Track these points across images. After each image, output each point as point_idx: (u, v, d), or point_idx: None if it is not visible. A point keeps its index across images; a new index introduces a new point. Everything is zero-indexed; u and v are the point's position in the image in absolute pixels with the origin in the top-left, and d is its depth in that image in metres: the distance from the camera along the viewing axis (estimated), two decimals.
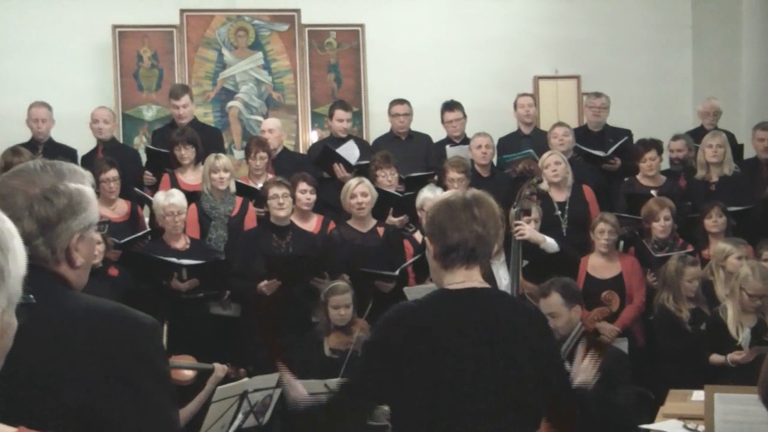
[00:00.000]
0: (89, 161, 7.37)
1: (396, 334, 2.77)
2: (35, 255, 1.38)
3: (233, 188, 7.01)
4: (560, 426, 3.15)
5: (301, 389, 3.25)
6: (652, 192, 7.11)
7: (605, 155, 7.69)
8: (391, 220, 6.94)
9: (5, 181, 2.01)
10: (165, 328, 4.93)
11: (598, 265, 6.66)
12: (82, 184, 2.04)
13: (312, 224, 6.89)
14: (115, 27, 8.97)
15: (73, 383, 1.87)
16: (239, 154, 8.86)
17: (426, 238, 2.92)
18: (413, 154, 7.96)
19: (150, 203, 7.00)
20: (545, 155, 7.16)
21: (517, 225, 5.76)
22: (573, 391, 3.20)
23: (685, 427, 4.28)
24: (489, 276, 6.00)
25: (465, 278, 2.83)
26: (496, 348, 2.74)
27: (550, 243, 6.13)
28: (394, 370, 2.74)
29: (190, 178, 7.21)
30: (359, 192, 6.68)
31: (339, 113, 8.08)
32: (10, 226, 1.33)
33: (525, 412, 2.79)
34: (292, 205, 6.63)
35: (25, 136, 7.71)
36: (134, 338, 1.96)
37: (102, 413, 1.87)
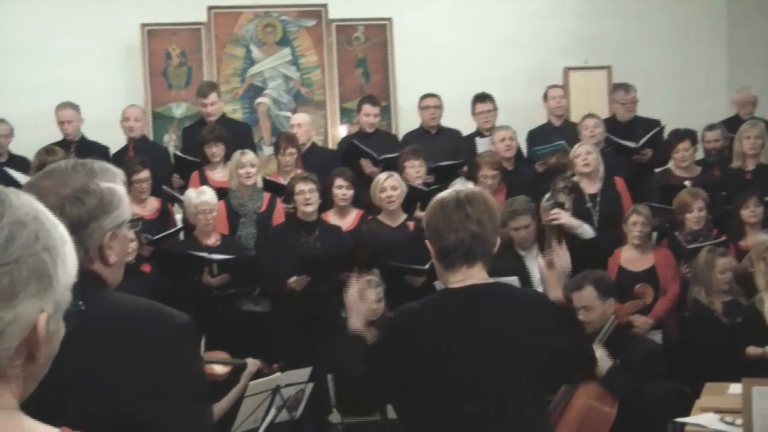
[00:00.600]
0: (120, 159, 7.41)
1: (399, 340, 2.84)
2: None
3: (260, 184, 7.02)
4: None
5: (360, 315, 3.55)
6: (686, 183, 7.03)
7: (636, 146, 7.61)
8: (419, 214, 6.93)
9: (37, 182, 2.01)
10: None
11: (630, 258, 6.61)
12: (114, 182, 2.04)
13: (349, 220, 6.88)
14: (143, 26, 9.01)
15: (110, 381, 1.88)
16: (268, 150, 8.87)
17: (426, 241, 2.91)
18: (443, 149, 7.93)
19: (179, 201, 7.03)
20: (576, 146, 7.11)
21: (552, 213, 5.75)
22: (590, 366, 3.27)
23: (722, 420, 4.24)
24: (522, 270, 6.03)
25: (466, 276, 2.83)
26: (497, 343, 2.76)
27: (586, 229, 6.13)
28: (396, 374, 2.81)
29: (219, 175, 7.23)
30: (389, 185, 6.68)
31: (367, 108, 8.08)
32: (62, 231, 1.33)
33: (530, 406, 2.79)
34: (319, 200, 6.63)
35: (58, 136, 7.78)
36: (168, 336, 1.96)
37: (136, 411, 1.87)
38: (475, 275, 2.85)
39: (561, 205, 5.95)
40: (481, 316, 2.79)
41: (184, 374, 1.96)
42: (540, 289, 5.83)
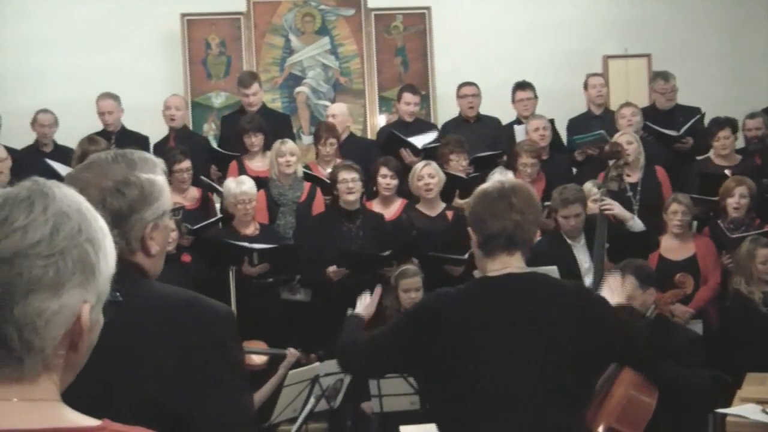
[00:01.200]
0: (161, 149, 7.47)
1: (423, 318, 2.88)
2: None
3: (300, 173, 7.04)
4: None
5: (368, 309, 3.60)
6: (726, 171, 6.97)
7: (677, 135, 7.53)
8: (458, 202, 6.91)
9: (78, 174, 2.02)
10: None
11: (671, 247, 6.56)
12: (154, 173, 2.04)
13: (393, 209, 6.88)
14: (183, 15, 9.06)
15: (151, 372, 1.89)
16: (307, 139, 8.89)
17: (468, 229, 2.98)
18: (482, 137, 7.91)
19: (218, 192, 7.07)
20: (617, 135, 7.05)
21: (604, 202, 5.72)
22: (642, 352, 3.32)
23: (763, 411, 4.20)
24: (570, 259, 6.01)
25: (505, 265, 2.89)
26: (530, 331, 2.78)
27: (637, 222, 6.10)
28: (418, 352, 2.85)
29: (258, 164, 7.26)
30: (426, 173, 6.68)
31: (407, 96, 8.06)
32: (103, 224, 1.35)
33: (566, 395, 2.80)
34: (362, 189, 6.64)
35: (99, 125, 7.85)
36: (209, 327, 1.97)
37: (178, 401, 1.88)
38: (514, 264, 2.89)
39: (613, 194, 5.93)
40: (515, 304, 2.82)
41: (226, 364, 1.97)
42: (588, 279, 5.85)
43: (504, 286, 2.87)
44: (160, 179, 2.05)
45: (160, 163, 2.10)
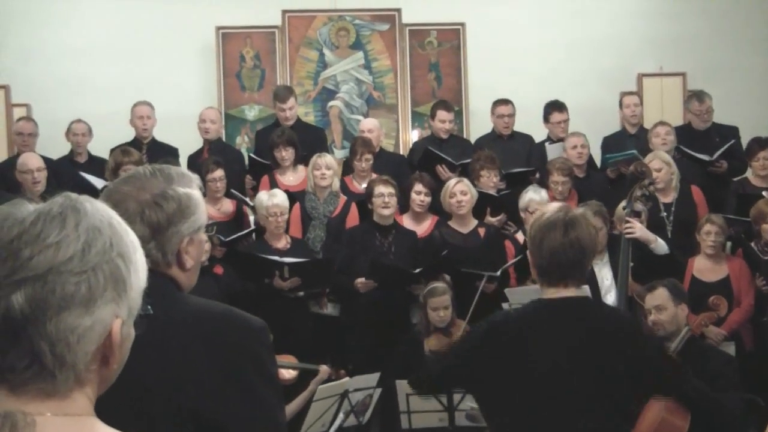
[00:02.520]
0: (195, 161, 7.50)
1: (492, 338, 3.07)
2: (147, 259, 1.40)
3: (336, 186, 7.04)
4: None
5: None
6: (764, 193, 6.88)
7: (710, 159, 7.45)
8: (489, 220, 6.89)
9: (117, 187, 2.05)
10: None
11: (704, 268, 6.49)
12: (191, 188, 2.07)
13: (425, 226, 6.87)
14: (218, 28, 9.12)
15: (186, 385, 1.90)
16: (339, 153, 8.91)
17: (528, 252, 3.18)
18: (515, 154, 7.89)
19: (248, 205, 7.09)
20: (649, 156, 6.98)
21: (627, 224, 5.68)
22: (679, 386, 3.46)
23: None
24: (590, 276, 5.95)
25: (558, 292, 3.05)
26: (584, 356, 2.93)
27: (660, 244, 6.03)
28: (481, 367, 3.06)
29: (290, 179, 7.27)
30: (458, 191, 6.65)
31: (441, 114, 8.03)
32: (133, 238, 1.35)
33: (612, 418, 2.94)
34: (396, 205, 6.63)
35: (132, 136, 7.90)
36: (245, 340, 2.00)
37: (214, 414, 1.90)
38: (571, 285, 3.05)
39: (638, 214, 5.87)
40: (572, 329, 2.98)
41: (261, 377, 1.99)
42: (610, 296, 5.81)
43: (560, 311, 3.02)
44: (197, 194, 2.08)
45: (196, 179, 2.13)
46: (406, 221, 6.87)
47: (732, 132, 7.81)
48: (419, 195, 6.80)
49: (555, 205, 3.21)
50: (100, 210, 1.30)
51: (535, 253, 3.08)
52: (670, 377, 3.30)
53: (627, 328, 3.05)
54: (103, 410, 1.32)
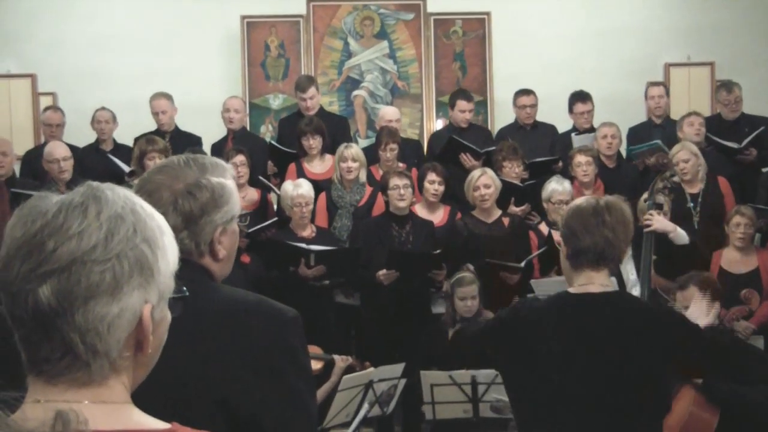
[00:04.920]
0: (219, 150, 7.51)
1: (517, 322, 3.05)
2: (180, 248, 1.39)
3: (363, 178, 7.03)
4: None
5: None
6: None
7: (739, 147, 7.39)
8: (513, 209, 6.86)
9: (150, 177, 2.05)
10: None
11: (733, 260, 6.44)
12: (224, 177, 2.07)
13: (439, 215, 6.85)
14: (243, 17, 9.11)
15: (219, 375, 1.91)
16: (363, 142, 8.89)
17: (560, 241, 3.10)
18: (538, 144, 7.86)
19: (273, 190, 7.09)
20: (673, 150, 6.92)
21: (645, 218, 5.63)
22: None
23: None
24: (616, 271, 5.90)
25: (589, 280, 3.00)
26: (602, 353, 2.89)
27: (680, 234, 5.97)
28: (504, 350, 3.06)
29: (317, 167, 7.27)
30: (482, 184, 6.62)
31: (461, 104, 8.00)
32: (161, 222, 1.35)
33: (634, 417, 2.90)
34: (413, 195, 6.61)
35: (155, 125, 7.94)
36: (278, 331, 2.00)
37: (246, 404, 1.91)
38: (598, 280, 3.00)
39: (659, 207, 5.82)
40: (594, 324, 2.93)
41: (293, 367, 2.00)
42: (635, 291, 5.76)
43: (583, 305, 2.97)
44: (230, 184, 2.08)
45: (229, 168, 2.12)
46: (420, 211, 6.84)
47: (762, 122, 7.74)
48: (432, 185, 6.77)
49: (586, 197, 3.16)
50: (122, 197, 1.30)
51: (568, 240, 3.03)
52: (707, 357, 3.19)
53: (655, 320, 2.97)
54: (138, 398, 1.33)
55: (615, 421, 2.88)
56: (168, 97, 7.96)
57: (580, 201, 3.13)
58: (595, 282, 2.98)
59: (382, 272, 6.35)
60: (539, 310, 3.04)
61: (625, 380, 2.87)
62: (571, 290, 3.04)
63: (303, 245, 6.33)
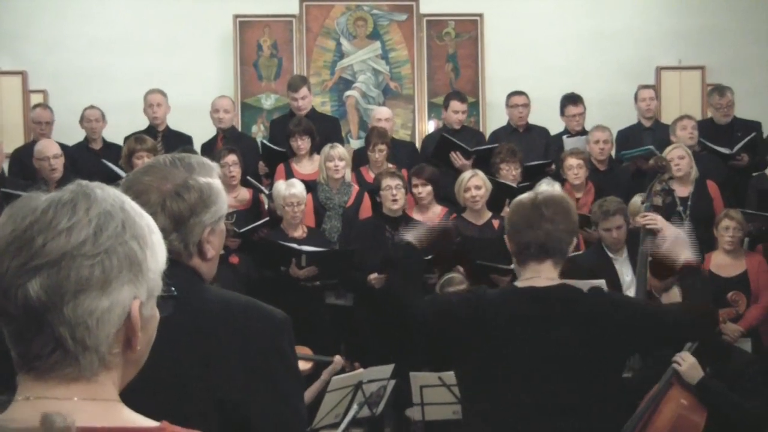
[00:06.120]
0: (209, 149, 7.50)
1: (465, 309, 3.01)
2: (170, 249, 1.40)
3: (349, 177, 7.04)
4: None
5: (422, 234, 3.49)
6: None
7: (731, 152, 7.41)
8: (507, 211, 6.86)
9: (138, 177, 2.04)
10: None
11: (722, 263, 6.45)
12: (211, 177, 2.06)
13: (432, 217, 6.84)
14: (236, 17, 9.11)
15: (211, 376, 1.92)
16: (356, 143, 8.89)
17: (505, 238, 3.10)
18: (531, 147, 7.86)
19: (264, 193, 7.09)
20: (669, 149, 6.96)
21: (646, 217, 5.65)
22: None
23: None
24: (611, 273, 5.93)
25: (535, 273, 3.00)
26: (554, 343, 2.88)
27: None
28: (448, 333, 3.03)
29: (306, 168, 7.27)
30: (473, 185, 6.63)
31: (455, 104, 8.02)
32: (149, 221, 1.36)
33: (587, 408, 2.90)
34: (406, 196, 6.61)
35: (148, 124, 7.92)
36: (269, 333, 2.01)
37: (238, 406, 1.92)
38: (544, 273, 3.00)
39: (657, 209, 5.84)
40: (537, 319, 2.92)
41: (284, 369, 2.01)
42: (630, 292, 5.78)
43: (525, 299, 2.97)
44: (217, 183, 2.07)
45: (216, 168, 2.12)
46: (414, 213, 6.84)
47: (755, 127, 7.77)
48: (416, 188, 6.78)
49: (527, 193, 3.16)
50: (111, 195, 1.32)
51: (512, 236, 3.05)
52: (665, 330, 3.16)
53: (598, 308, 2.95)
54: (131, 398, 1.34)
55: (569, 413, 2.87)
56: (162, 93, 7.99)
57: (520, 197, 3.14)
58: (541, 275, 2.99)
59: (374, 276, 6.35)
60: (490, 302, 3.01)
61: (576, 371, 2.88)
62: (518, 284, 3.05)
63: (295, 246, 6.33)
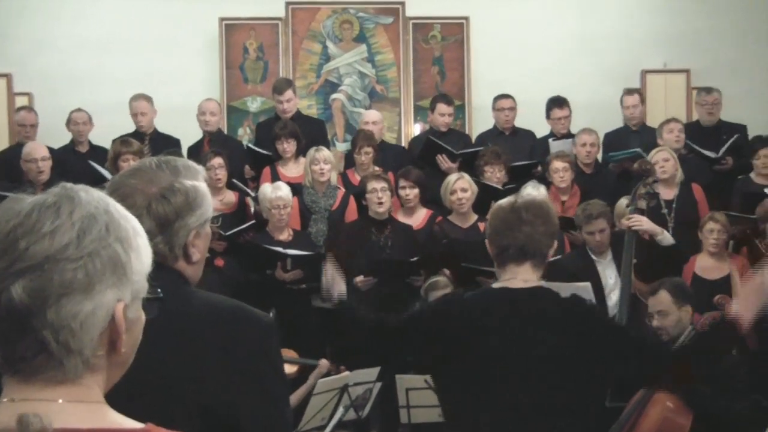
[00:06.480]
0: (195, 152, 7.49)
1: (439, 319, 3.05)
2: (155, 253, 1.41)
3: (334, 180, 7.03)
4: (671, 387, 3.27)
5: (342, 286, 3.62)
6: (767, 190, 6.87)
7: (716, 156, 7.44)
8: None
9: (123, 180, 2.04)
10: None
11: (706, 266, 6.47)
12: (197, 180, 2.06)
13: (418, 219, 6.86)
14: (222, 20, 9.10)
15: (197, 380, 1.92)
16: (342, 146, 8.90)
17: (486, 242, 3.13)
18: (517, 150, 7.86)
19: (250, 195, 7.08)
20: (654, 151, 6.99)
21: (631, 218, 5.67)
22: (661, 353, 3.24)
23: None
24: (594, 276, 5.95)
25: (513, 275, 3.02)
26: (523, 347, 2.90)
27: (667, 236, 6.05)
28: (426, 346, 3.05)
29: (292, 171, 7.26)
30: (459, 188, 6.63)
31: (441, 107, 8.03)
32: (134, 224, 1.36)
33: (564, 410, 2.90)
34: (392, 199, 6.61)
35: (134, 127, 7.89)
36: (255, 336, 2.01)
37: (224, 409, 1.92)
38: (521, 275, 3.02)
39: (642, 212, 5.87)
40: (513, 321, 2.94)
41: (270, 373, 2.01)
42: (614, 294, 5.80)
43: (501, 300, 3.00)
44: (203, 186, 2.07)
45: (201, 171, 2.12)
46: (400, 216, 6.85)
47: (740, 129, 7.82)
48: (404, 190, 6.79)
49: (507, 198, 3.20)
50: (95, 198, 1.32)
51: (491, 239, 3.08)
52: (641, 366, 3.13)
53: (575, 315, 2.97)
54: (115, 403, 1.33)
55: (546, 415, 2.89)
56: (147, 98, 7.93)
57: (500, 202, 3.19)
58: (518, 277, 3.01)
59: (360, 278, 6.35)
60: (467, 306, 3.04)
61: (552, 373, 2.89)
62: (495, 285, 3.09)
63: (281, 249, 6.32)
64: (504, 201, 3.15)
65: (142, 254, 1.35)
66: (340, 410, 5.13)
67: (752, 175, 7.27)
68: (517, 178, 7.24)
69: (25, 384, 1.27)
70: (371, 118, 7.96)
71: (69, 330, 1.25)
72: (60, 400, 1.27)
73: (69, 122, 7.99)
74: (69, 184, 1.33)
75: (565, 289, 3.11)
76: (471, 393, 2.94)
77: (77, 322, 1.25)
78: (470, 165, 7.19)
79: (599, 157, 7.90)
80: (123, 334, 1.31)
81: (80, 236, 1.26)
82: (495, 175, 7.05)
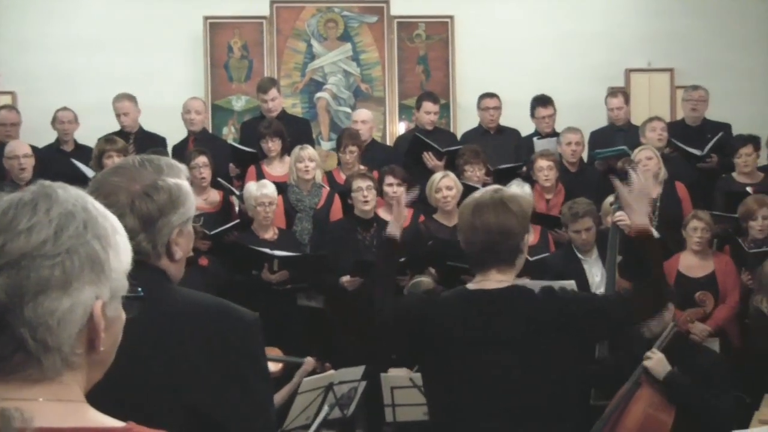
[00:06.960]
0: (181, 151, 7.47)
1: (413, 320, 3.06)
2: (138, 250, 1.40)
3: (319, 179, 7.03)
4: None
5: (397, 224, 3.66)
6: (748, 189, 6.91)
7: (701, 154, 7.48)
8: None
9: (106, 178, 2.04)
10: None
11: (690, 264, 6.49)
12: (179, 178, 2.07)
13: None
14: (206, 18, 9.09)
15: (180, 376, 1.92)
16: (327, 145, 8.90)
17: (459, 236, 3.12)
18: (502, 149, 7.88)
19: (235, 194, 7.07)
20: (637, 150, 7.01)
21: (618, 215, 5.70)
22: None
23: None
24: (579, 274, 5.97)
25: (485, 276, 3.00)
26: (499, 346, 2.90)
27: (653, 231, 6.05)
28: (403, 346, 3.19)
29: (277, 170, 7.25)
30: (444, 186, 6.64)
31: (427, 105, 8.03)
32: (113, 222, 1.36)
33: (545, 410, 2.90)
34: (377, 197, 6.61)
35: (119, 125, 7.87)
36: (239, 334, 2.01)
37: (208, 408, 1.92)
38: (494, 276, 2.99)
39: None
40: (489, 321, 2.93)
41: (254, 371, 2.01)
42: (600, 291, 5.81)
43: (474, 302, 2.98)
44: (186, 184, 2.08)
45: (184, 169, 2.12)
46: (383, 214, 6.83)
47: (724, 129, 7.84)
48: (391, 187, 6.75)
49: (489, 188, 3.16)
50: (73, 195, 1.31)
51: (461, 239, 3.05)
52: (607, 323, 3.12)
53: (545, 308, 2.95)
54: (96, 401, 1.33)
55: (524, 414, 2.89)
56: (131, 98, 7.90)
57: (464, 202, 3.14)
58: (491, 278, 2.99)
59: (346, 278, 6.35)
60: (440, 305, 3.05)
61: (527, 372, 2.88)
62: (469, 286, 3.06)
63: (267, 251, 6.31)
64: (466, 202, 3.10)
65: (120, 252, 1.34)
66: (325, 409, 5.12)
67: (734, 174, 7.31)
68: (502, 179, 7.24)
69: (4, 383, 1.26)
70: (361, 117, 7.95)
71: (46, 327, 1.25)
72: (40, 399, 1.26)
73: (54, 121, 7.96)
74: (47, 182, 1.32)
75: (535, 286, 3.09)
76: (452, 393, 2.95)
77: (54, 320, 1.25)
78: (453, 164, 7.20)
79: (584, 155, 7.93)
80: (102, 332, 1.30)
81: (57, 233, 1.26)
82: (475, 174, 7.04)
